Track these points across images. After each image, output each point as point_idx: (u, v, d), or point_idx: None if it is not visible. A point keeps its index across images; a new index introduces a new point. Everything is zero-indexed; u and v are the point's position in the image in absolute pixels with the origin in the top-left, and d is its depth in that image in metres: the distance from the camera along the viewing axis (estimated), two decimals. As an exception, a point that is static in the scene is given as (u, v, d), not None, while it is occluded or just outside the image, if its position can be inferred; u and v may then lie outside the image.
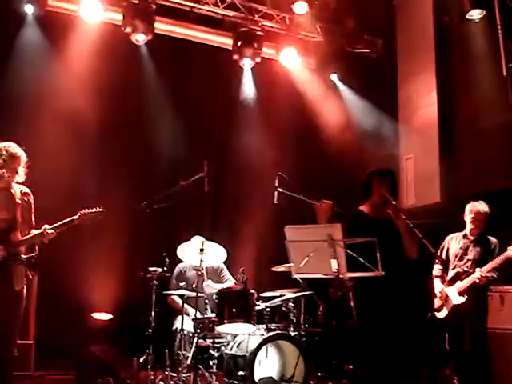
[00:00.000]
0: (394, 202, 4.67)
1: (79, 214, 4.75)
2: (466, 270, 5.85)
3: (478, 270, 5.69)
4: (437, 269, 6.17)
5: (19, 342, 4.80)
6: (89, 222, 4.79)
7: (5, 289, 4.44)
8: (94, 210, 4.81)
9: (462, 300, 5.77)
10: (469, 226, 6.01)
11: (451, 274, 5.98)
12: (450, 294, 5.88)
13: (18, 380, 4.67)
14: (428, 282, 6.15)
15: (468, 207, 6.03)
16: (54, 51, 7.50)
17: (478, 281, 5.68)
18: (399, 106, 8.78)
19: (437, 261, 6.16)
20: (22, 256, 4.57)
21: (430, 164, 8.13)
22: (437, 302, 6.03)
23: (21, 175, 4.68)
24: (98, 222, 4.84)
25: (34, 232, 4.64)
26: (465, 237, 6.05)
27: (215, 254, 6.16)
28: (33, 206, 4.76)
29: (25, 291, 4.59)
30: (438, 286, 6.06)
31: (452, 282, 5.92)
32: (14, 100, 7.09)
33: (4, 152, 4.61)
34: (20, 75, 7.16)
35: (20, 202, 4.62)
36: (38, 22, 7.47)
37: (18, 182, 4.71)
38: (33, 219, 4.74)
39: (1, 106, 6.99)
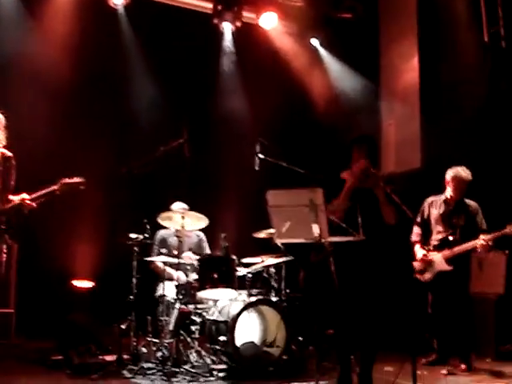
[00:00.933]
0: (372, 171, 4.65)
1: (59, 183, 4.65)
2: (452, 238, 5.88)
3: (481, 236, 5.69)
4: (416, 233, 6.19)
5: (0, 310, 4.74)
6: (69, 192, 4.70)
7: None
8: (74, 179, 4.72)
9: (449, 267, 5.82)
10: (449, 192, 6.02)
11: (436, 238, 6.02)
12: (435, 260, 5.92)
13: (-1, 348, 4.65)
14: (408, 246, 6.19)
15: (450, 173, 6.01)
16: (30, 15, 7.36)
17: (478, 248, 5.71)
18: (380, 71, 8.74)
19: (415, 225, 6.19)
20: (2, 225, 4.48)
21: (411, 130, 8.13)
22: (418, 266, 6.07)
23: (1, 139, 4.57)
24: (77, 191, 4.75)
25: (13, 198, 4.53)
26: (446, 202, 6.06)
27: (196, 221, 6.14)
28: (14, 170, 4.63)
29: (4, 259, 4.52)
30: (419, 251, 6.09)
31: (439, 248, 5.95)
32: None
33: None
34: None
35: (1, 168, 4.51)
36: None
37: None
38: (12, 184, 4.62)
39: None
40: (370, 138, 5.11)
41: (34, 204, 4.54)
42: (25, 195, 4.54)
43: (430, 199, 6.21)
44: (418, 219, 6.19)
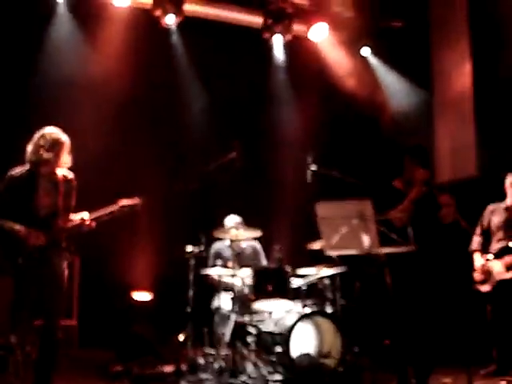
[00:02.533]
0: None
1: (117, 205, 4.73)
2: None
3: None
4: (476, 242, 6.10)
5: (64, 322, 4.88)
6: (126, 213, 4.78)
7: (46, 275, 4.46)
8: (132, 200, 4.80)
9: (509, 275, 5.71)
10: (510, 198, 5.92)
11: (496, 247, 5.92)
12: (495, 269, 5.81)
13: (63, 358, 4.79)
14: (467, 255, 6.10)
15: (510, 178, 5.94)
16: (86, 37, 7.62)
17: None
18: (433, 78, 8.63)
19: (476, 234, 6.11)
20: (63, 243, 4.59)
21: (465, 136, 7.99)
22: (477, 276, 5.97)
23: (66, 161, 4.67)
24: (135, 212, 4.84)
25: (73, 217, 4.65)
26: (507, 209, 5.96)
27: (250, 233, 6.22)
28: (75, 190, 4.74)
29: (66, 276, 4.62)
30: (478, 260, 6.00)
31: (499, 256, 5.85)
32: (48, 86, 7.19)
33: (48, 137, 4.58)
34: (53, 62, 7.29)
35: (63, 188, 4.63)
36: (69, 9, 7.58)
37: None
38: (73, 204, 4.73)
39: (36, 91, 7.11)
40: (424, 148, 5.13)
41: (93, 224, 4.64)
42: (85, 214, 4.64)
43: (490, 207, 6.11)
44: (479, 228, 6.11)
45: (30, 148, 4.59)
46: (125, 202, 4.77)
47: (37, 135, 4.61)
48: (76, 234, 4.67)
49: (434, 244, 4.59)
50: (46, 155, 4.54)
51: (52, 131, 4.63)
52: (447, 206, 4.82)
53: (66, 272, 4.63)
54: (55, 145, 4.58)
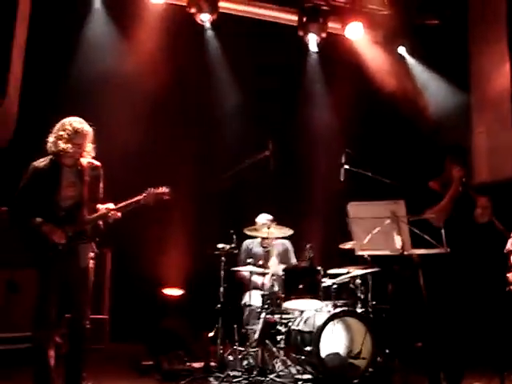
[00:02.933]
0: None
1: (144, 193, 4.63)
2: None
3: None
4: (511, 243, 5.99)
5: (95, 316, 4.85)
6: (154, 202, 4.66)
7: (72, 267, 4.44)
8: (160, 189, 4.68)
9: None
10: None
11: None
12: None
13: (94, 353, 4.84)
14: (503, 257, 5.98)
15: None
16: (121, 34, 7.68)
17: None
18: (470, 77, 8.48)
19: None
20: (88, 234, 4.54)
21: (503, 137, 7.84)
22: (511, 277, 5.86)
23: (89, 151, 4.58)
24: (163, 201, 4.71)
25: (100, 207, 4.58)
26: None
27: (282, 231, 6.22)
28: (101, 179, 4.66)
29: (92, 268, 4.57)
30: (513, 261, 5.89)
31: None
32: (85, 82, 7.26)
33: (68, 127, 4.50)
34: (89, 58, 7.39)
35: (88, 178, 4.55)
36: (105, 6, 7.68)
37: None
38: (100, 193, 4.66)
39: (73, 88, 7.19)
40: (464, 147, 5.09)
41: (118, 214, 4.55)
42: (111, 205, 4.56)
43: (527, 209, 6.00)
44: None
45: (50, 139, 4.52)
46: (152, 190, 4.67)
47: (57, 126, 4.54)
48: (104, 226, 4.63)
49: (467, 244, 4.51)
50: (68, 146, 4.46)
51: (73, 121, 4.54)
52: (484, 207, 4.74)
53: (92, 263, 4.58)
54: (77, 135, 4.49)
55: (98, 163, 4.67)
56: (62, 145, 4.46)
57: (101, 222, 4.63)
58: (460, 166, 4.81)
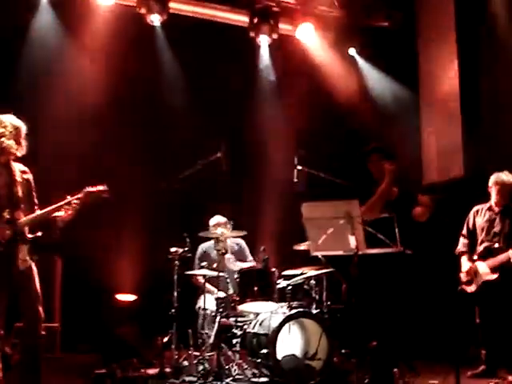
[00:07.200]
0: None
1: (83, 192, 4.45)
2: (497, 246, 5.77)
3: (511, 251, 5.59)
4: (462, 244, 6.10)
5: (46, 325, 4.66)
6: (92, 201, 4.48)
7: (9, 269, 4.23)
8: (98, 187, 4.51)
9: (494, 276, 5.70)
10: (494, 198, 5.94)
11: (480, 248, 5.91)
12: (480, 270, 5.80)
13: (45, 362, 4.68)
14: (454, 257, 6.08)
15: (492, 178, 5.96)
16: (68, 34, 7.50)
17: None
18: (420, 79, 8.62)
19: (462, 236, 6.10)
20: (28, 236, 4.35)
21: (452, 137, 7.98)
22: (464, 277, 5.96)
23: (23, 148, 4.44)
24: (101, 200, 4.53)
25: (39, 212, 4.42)
26: (490, 209, 5.98)
27: (236, 233, 6.18)
28: (33, 184, 4.51)
29: (34, 271, 4.37)
30: (465, 262, 5.99)
31: (484, 257, 5.83)
32: (29, 82, 7.08)
33: (8, 124, 4.36)
34: (34, 58, 7.19)
35: (20, 179, 4.39)
36: (52, 5, 7.48)
37: (17, 157, 4.46)
38: (35, 199, 4.50)
39: (17, 87, 6.98)
40: (384, 146, 5.29)
41: (66, 214, 4.37)
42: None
43: (475, 208, 6.12)
44: (464, 229, 6.12)
45: None
46: (89, 188, 4.50)
47: None
48: (60, 234, 4.50)
49: (411, 243, 4.54)
50: (11, 142, 4.34)
51: (9, 117, 4.41)
52: (424, 206, 4.80)
53: (35, 267, 4.39)
54: (17, 132, 4.38)
55: (25, 168, 4.52)
56: (6, 142, 4.32)
57: (58, 231, 4.47)
58: (390, 161, 4.89)
